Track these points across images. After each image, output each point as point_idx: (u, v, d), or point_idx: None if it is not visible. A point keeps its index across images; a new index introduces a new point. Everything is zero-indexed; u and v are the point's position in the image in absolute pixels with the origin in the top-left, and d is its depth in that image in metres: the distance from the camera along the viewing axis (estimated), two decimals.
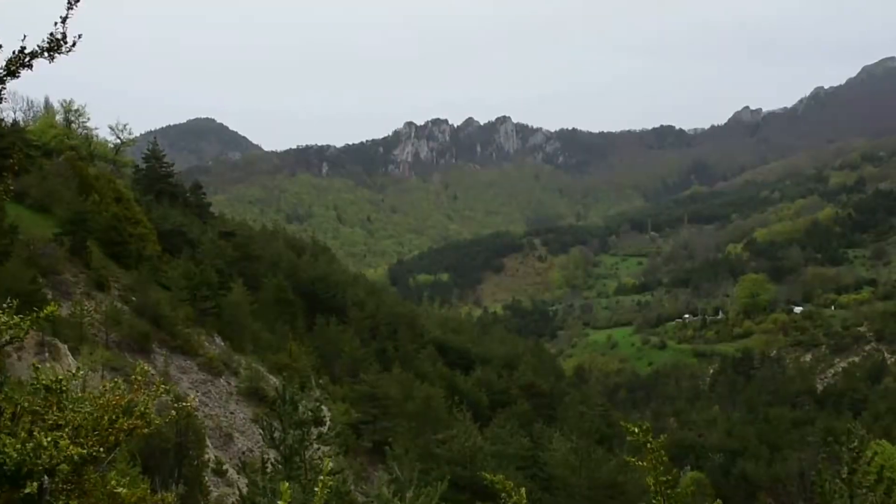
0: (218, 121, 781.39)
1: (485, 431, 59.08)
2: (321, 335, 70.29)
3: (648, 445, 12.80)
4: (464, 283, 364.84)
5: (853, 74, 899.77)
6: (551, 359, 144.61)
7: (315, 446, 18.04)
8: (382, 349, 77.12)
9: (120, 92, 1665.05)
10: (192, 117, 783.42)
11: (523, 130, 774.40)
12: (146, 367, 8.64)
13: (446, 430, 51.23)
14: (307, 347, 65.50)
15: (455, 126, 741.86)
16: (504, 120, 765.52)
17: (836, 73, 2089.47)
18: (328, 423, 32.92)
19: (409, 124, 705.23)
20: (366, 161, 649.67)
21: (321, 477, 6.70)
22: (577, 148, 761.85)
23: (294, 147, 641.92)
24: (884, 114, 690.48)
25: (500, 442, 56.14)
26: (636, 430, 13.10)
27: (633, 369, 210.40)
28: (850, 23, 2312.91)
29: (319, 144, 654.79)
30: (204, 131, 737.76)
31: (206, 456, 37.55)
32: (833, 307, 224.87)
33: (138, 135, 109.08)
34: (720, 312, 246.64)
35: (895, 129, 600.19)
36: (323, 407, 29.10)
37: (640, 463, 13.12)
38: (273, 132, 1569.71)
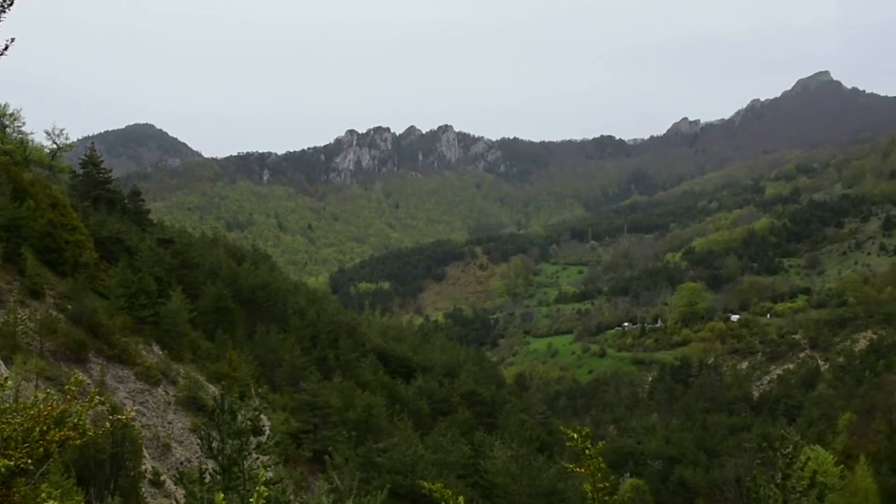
0: (157, 126, 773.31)
1: (426, 440, 59.05)
2: (261, 344, 69.66)
3: (587, 452, 12.86)
4: (405, 292, 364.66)
5: (788, 87, 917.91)
6: (492, 367, 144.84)
7: (254, 456, 17.86)
8: (323, 358, 76.65)
9: (58, 90, 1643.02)
10: (131, 122, 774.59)
11: (465, 139, 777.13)
12: (80, 377, 8.47)
13: (387, 438, 51.15)
14: (247, 356, 64.92)
15: (397, 134, 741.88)
16: (446, 129, 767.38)
17: (772, 86, 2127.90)
18: (268, 432, 32.65)
19: (351, 132, 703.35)
20: (307, 169, 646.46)
21: (257, 487, 6.62)
22: (519, 157, 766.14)
23: (235, 154, 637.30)
24: (818, 126, 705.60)
25: (441, 450, 56.14)
26: (575, 436, 13.16)
27: (573, 377, 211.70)
28: (787, 37, 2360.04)
29: (260, 151, 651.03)
30: (143, 137, 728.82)
31: (143, 467, 37.00)
32: (769, 315, 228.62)
33: (75, 140, 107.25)
34: (659, 321, 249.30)
35: (829, 141, 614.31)
36: (262, 416, 28.83)
37: (579, 470, 13.18)
38: (213, 139, 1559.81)
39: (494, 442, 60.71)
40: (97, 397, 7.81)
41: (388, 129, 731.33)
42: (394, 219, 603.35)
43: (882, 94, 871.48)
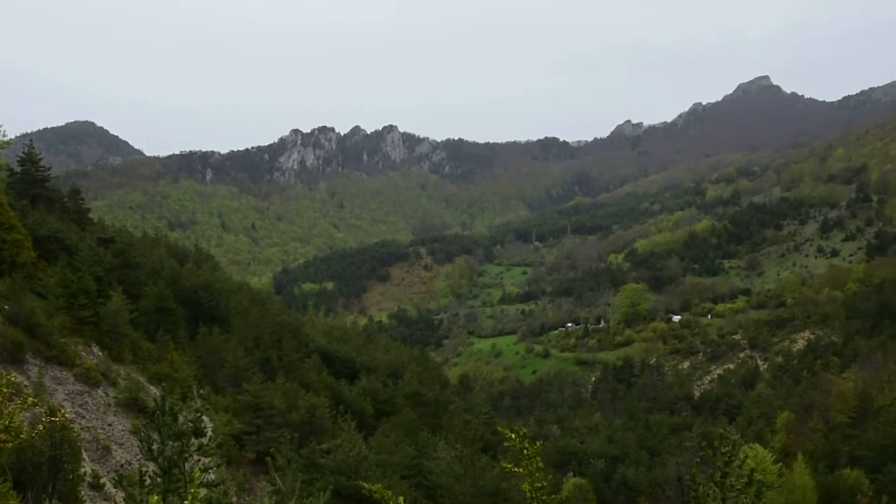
0: (98, 124, 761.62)
1: (370, 441, 58.86)
2: (204, 344, 68.87)
3: (525, 452, 12.87)
4: (349, 292, 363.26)
5: (729, 91, 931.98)
6: (436, 367, 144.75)
7: (195, 458, 17.62)
8: (266, 358, 76.01)
9: None
10: (71, 120, 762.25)
11: (410, 140, 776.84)
12: (14, 379, 8.28)
13: (331, 439, 50.85)
14: (189, 357, 64.10)
15: (342, 134, 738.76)
16: (391, 129, 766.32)
17: (714, 90, 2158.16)
18: (210, 433, 32.28)
19: (296, 132, 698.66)
20: (251, 168, 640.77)
21: (192, 489, 6.52)
22: (464, 158, 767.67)
23: (177, 153, 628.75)
24: (757, 130, 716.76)
25: (384, 451, 55.99)
26: (513, 436, 13.15)
27: (517, 377, 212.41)
28: (728, 42, 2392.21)
29: (203, 150, 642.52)
30: (83, 135, 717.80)
31: (83, 469, 36.36)
32: (709, 316, 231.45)
33: (13, 137, 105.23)
34: (602, 321, 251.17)
35: (768, 144, 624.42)
36: (204, 417, 28.49)
37: (517, 470, 13.18)
38: (156, 138, 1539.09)
39: (438, 442, 60.64)
40: (30, 398, 7.64)
41: (332, 129, 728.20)
42: (338, 219, 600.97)
43: (820, 100, 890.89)
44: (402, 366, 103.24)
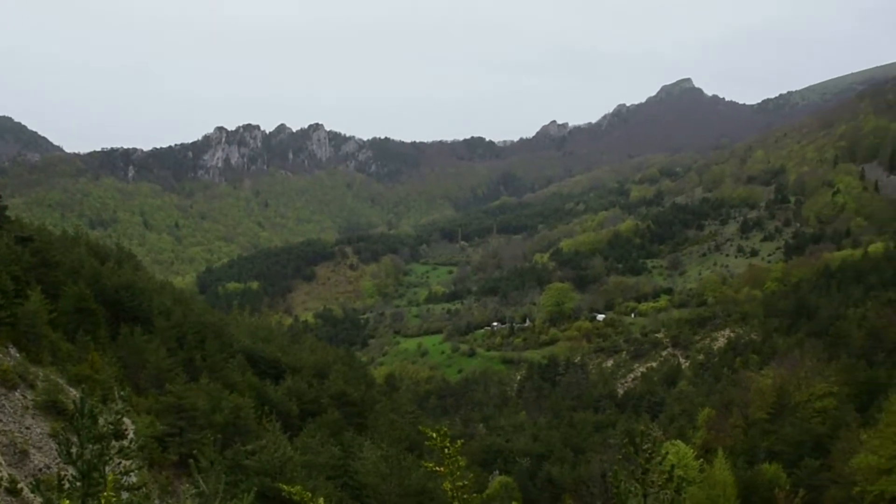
0: (16, 119, 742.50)
1: (295, 441, 58.44)
2: (125, 345, 67.64)
3: (446, 451, 12.89)
4: (274, 292, 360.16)
5: (653, 93, 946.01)
6: (362, 367, 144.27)
7: (116, 461, 17.32)
8: (190, 359, 74.96)
9: None
10: None
11: (336, 138, 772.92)
12: None
13: (256, 440, 50.38)
14: (110, 358, 62.94)
15: (267, 132, 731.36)
16: (317, 127, 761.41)
17: (637, 92, 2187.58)
18: (131, 436, 31.75)
19: (220, 129, 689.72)
20: (174, 166, 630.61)
21: (104, 493, 6.39)
22: (390, 157, 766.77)
23: (98, 150, 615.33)
24: (680, 131, 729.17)
25: (310, 452, 55.67)
26: (434, 435, 13.15)
27: (443, 376, 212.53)
28: (651, 44, 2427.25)
29: (125, 147, 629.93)
30: (0, 131, 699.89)
31: (0, 474, 35.55)
32: (633, 315, 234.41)
33: None
34: (527, 320, 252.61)
35: (690, 146, 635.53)
36: (125, 419, 28.00)
37: (439, 469, 13.18)
38: (75, 133, 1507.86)
39: (364, 442, 60.60)
40: None
41: (257, 127, 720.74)
42: (263, 218, 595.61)
43: (740, 103, 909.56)
44: (327, 366, 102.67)
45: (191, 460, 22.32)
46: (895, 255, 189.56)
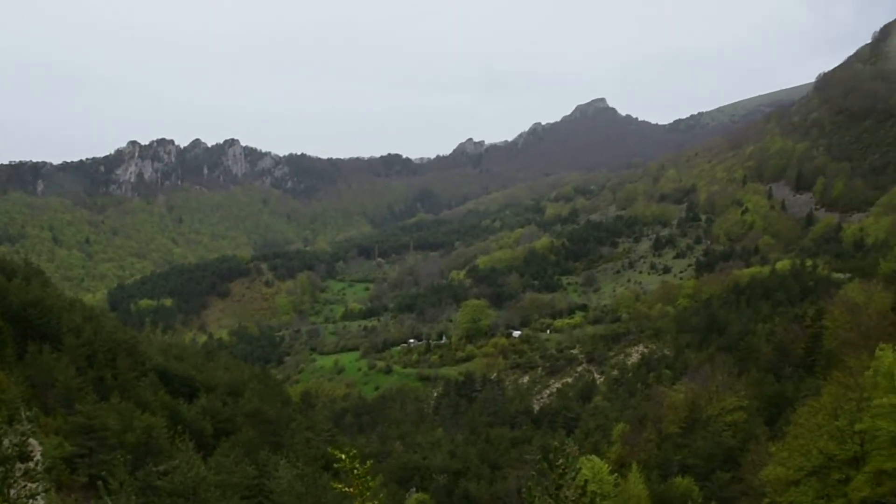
0: None
1: (209, 461, 57.48)
2: (33, 364, 65.82)
3: (355, 471, 12.79)
4: (188, 309, 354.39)
5: (568, 112, 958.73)
6: (278, 385, 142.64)
7: (21, 483, 16.78)
8: (100, 378, 73.24)
9: None
10: None
11: (252, 154, 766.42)
12: None
13: (168, 460, 49.40)
14: (17, 377, 61.18)
15: (181, 147, 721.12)
16: (232, 143, 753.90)
17: (553, 111, 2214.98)
18: (38, 457, 30.84)
19: (133, 143, 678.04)
20: (86, 180, 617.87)
21: None
22: (307, 173, 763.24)
23: (6, 163, 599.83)
24: (594, 150, 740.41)
25: (224, 471, 54.78)
26: (343, 456, 13.05)
27: (359, 394, 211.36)
28: (566, 64, 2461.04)
29: (34, 161, 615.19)
30: None
31: None
32: (548, 331, 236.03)
33: None
34: (444, 337, 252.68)
35: (604, 164, 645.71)
36: (32, 440, 27.23)
37: (348, 489, 13.08)
38: None
39: (280, 461, 59.85)
40: None
41: (171, 142, 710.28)
42: (177, 234, 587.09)
43: (653, 122, 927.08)
44: (242, 384, 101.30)
45: (100, 482, 21.80)
46: (801, 272, 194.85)
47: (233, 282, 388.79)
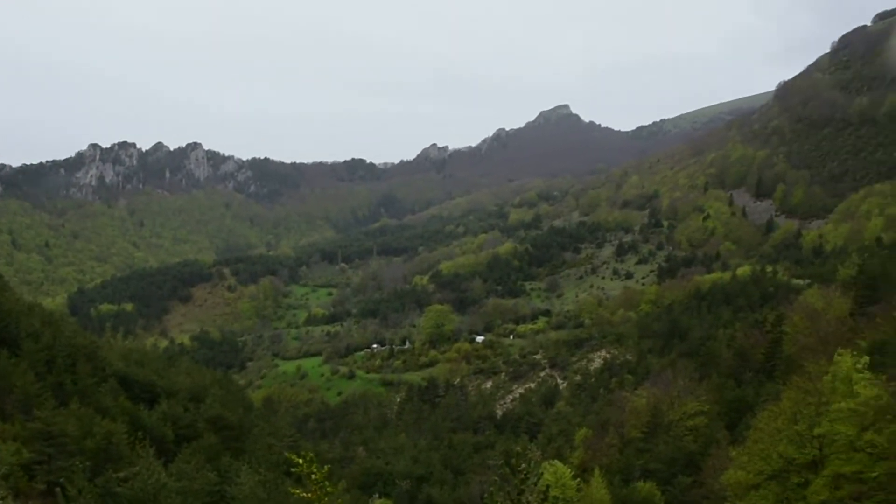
0: None
1: (170, 467, 57.01)
2: None
3: (313, 476, 12.74)
4: (149, 314, 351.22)
5: (531, 118, 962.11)
6: (240, 390, 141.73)
7: None
8: (60, 383, 72.40)
9: None
10: None
11: (214, 158, 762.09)
12: None
13: (128, 467, 48.98)
14: None
15: (143, 150, 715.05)
16: (195, 146, 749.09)
17: (517, 117, 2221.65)
18: None
19: (94, 146, 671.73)
20: (45, 183, 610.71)
21: None
22: (269, 178, 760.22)
23: None
24: (558, 156, 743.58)
25: (185, 477, 54.33)
26: (301, 462, 12.99)
27: (322, 399, 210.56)
28: (530, 70, 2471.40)
29: None
30: None
31: None
32: (511, 336, 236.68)
33: None
34: (407, 342, 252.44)
35: (567, 170, 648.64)
36: None
37: (306, 494, 13.02)
38: None
39: (241, 467, 59.51)
40: None
41: (133, 145, 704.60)
42: (138, 238, 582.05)
43: (616, 129, 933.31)
44: (204, 389, 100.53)
45: (59, 489, 21.58)
46: (762, 278, 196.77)
47: (195, 286, 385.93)
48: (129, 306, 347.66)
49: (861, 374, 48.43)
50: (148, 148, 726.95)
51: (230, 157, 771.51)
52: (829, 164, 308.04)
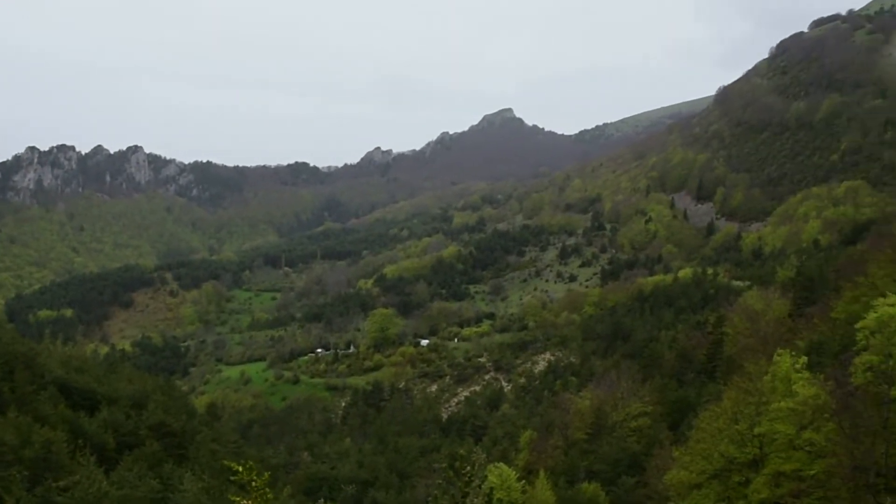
0: None
1: (111, 475, 56.22)
2: None
3: (253, 484, 12.65)
4: (90, 320, 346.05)
5: (475, 122, 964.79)
6: (183, 396, 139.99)
7: None
8: None
9: None
10: None
11: (156, 161, 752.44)
12: None
13: (68, 476, 48.24)
14: None
15: (83, 153, 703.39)
16: (136, 149, 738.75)
17: (461, 121, 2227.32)
18: None
19: (32, 149, 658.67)
20: None
21: None
22: (212, 181, 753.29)
23: None
24: (501, 160, 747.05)
25: (127, 486, 53.61)
26: (240, 469, 12.89)
27: (266, 404, 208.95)
28: (475, 75, 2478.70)
29: None
30: None
31: None
32: (456, 340, 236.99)
33: None
34: (352, 346, 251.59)
35: (511, 174, 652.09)
36: None
37: (246, 502, 12.92)
38: None
39: (185, 474, 58.87)
40: None
41: (72, 148, 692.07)
42: (78, 242, 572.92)
43: (559, 133, 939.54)
44: (146, 396, 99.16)
45: None
46: (703, 280, 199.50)
47: (136, 292, 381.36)
48: (68, 312, 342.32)
49: (799, 374, 49.29)
50: (88, 151, 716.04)
51: (172, 161, 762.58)
52: (768, 167, 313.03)
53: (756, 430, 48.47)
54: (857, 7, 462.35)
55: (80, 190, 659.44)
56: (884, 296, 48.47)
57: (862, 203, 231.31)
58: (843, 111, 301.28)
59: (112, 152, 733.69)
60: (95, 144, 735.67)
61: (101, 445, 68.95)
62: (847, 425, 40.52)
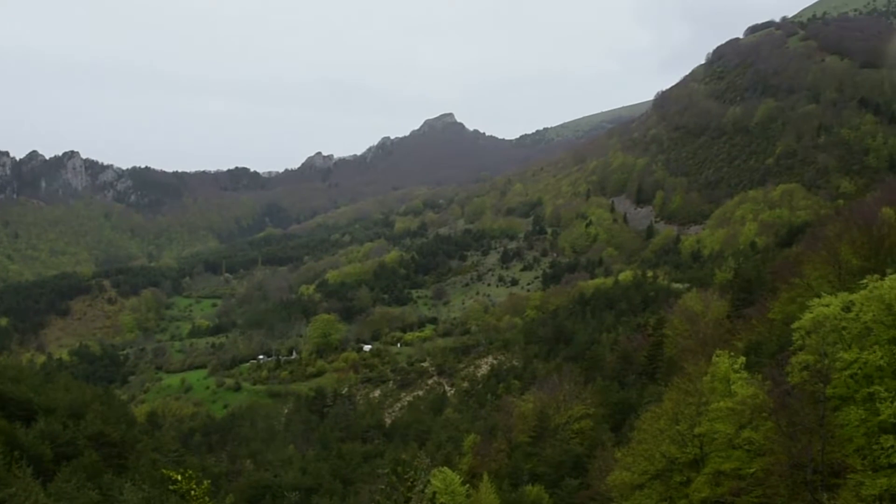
0: None
1: (49, 487, 55.29)
2: None
3: (192, 493, 12.54)
4: (25, 328, 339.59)
5: (416, 127, 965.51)
6: (122, 405, 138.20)
7: None
8: None
9: None
10: None
11: (93, 167, 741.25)
12: None
13: (5, 489, 47.33)
14: None
15: (17, 159, 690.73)
16: (72, 155, 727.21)
17: (402, 126, 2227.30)
18: None
19: None
20: None
21: None
22: (151, 187, 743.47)
23: None
24: (443, 164, 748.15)
25: (65, 497, 52.79)
26: (179, 478, 12.76)
27: (208, 412, 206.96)
28: (415, 80, 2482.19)
29: None
30: None
31: None
32: (399, 345, 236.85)
33: None
34: (294, 352, 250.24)
35: (452, 178, 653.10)
36: None
37: None
38: None
39: (125, 484, 58.08)
40: None
41: (6, 153, 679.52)
42: (13, 250, 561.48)
43: (500, 137, 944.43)
44: (84, 405, 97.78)
45: None
46: (643, 283, 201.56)
47: (73, 299, 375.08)
48: (3, 321, 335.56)
49: (738, 374, 50.08)
50: (22, 157, 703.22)
51: (109, 166, 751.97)
52: (706, 171, 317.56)
53: (696, 430, 49.17)
54: (790, 14, 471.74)
55: (15, 196, 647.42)
56: (818, 296, 49.37)
57: (797, 206, 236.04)
58: (778, 116, 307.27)
59: (48, 158, 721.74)
60: (30, 150, 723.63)
61: (37, 457, 67.79)
62: (784, 424, 41.22)
